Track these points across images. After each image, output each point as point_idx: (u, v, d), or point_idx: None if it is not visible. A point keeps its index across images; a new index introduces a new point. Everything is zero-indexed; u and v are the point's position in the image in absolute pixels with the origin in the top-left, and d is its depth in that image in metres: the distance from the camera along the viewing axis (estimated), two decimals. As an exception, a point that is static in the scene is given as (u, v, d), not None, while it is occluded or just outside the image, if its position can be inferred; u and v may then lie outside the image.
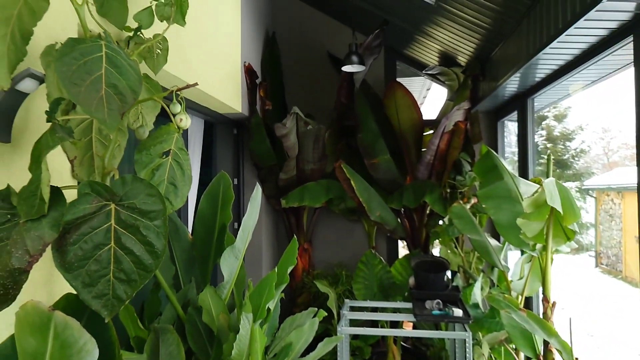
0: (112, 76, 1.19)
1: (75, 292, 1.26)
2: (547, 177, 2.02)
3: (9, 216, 1.17)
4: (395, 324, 4.02)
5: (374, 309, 3.76)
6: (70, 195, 1.27)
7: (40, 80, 1.30)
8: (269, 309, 2.15)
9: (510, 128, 4.59)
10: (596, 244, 13.22)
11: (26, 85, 1.27)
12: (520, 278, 2.94)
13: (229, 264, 2.06)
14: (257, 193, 2.11)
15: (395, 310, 3.64)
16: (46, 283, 1.45)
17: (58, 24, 1.52)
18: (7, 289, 1.10)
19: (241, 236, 2.07)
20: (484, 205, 2.46)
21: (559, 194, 1.85)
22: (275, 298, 2.13)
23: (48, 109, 1.21)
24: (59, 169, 1.49)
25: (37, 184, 1.14)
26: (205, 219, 2.30)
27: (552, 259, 2.30)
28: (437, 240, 4.28)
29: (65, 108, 1.43)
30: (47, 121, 1.20)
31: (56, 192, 1.19)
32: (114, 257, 1.22)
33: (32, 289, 1.37)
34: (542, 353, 2.42)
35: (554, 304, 2.30)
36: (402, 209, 4.26)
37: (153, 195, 1.26)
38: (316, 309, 2.46)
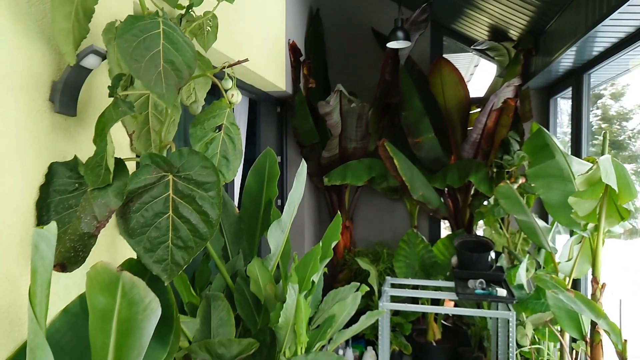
0: (169, 52, 1.24)
1: (136, 258, 1.35)
2: (603, 155, 1.94)
3: (76, 185, 1.26)
4: (437, 302, 4.03)
5: (415, 287, 3.77)
6: (130, 167, 1.35)
7: (103, 56, 1.37)
8: (313, 282, 2.21)
9: (562, 107, 4.40)
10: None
11: (90, 61, 1.34)
12: (569, 260, 2.86)
13: (276, 237, 2.13)
14: (303, 169, 2.14)
15: (437, 289, 3.63)
16: (109, 248, 1.55)
17: (115, 2, 1.59)
18: (77, 251, 1.20)
19: (287, 211, 2.12)
20: (533, 185, 2.40)
21: (615, 171, 1.77)
22: (319, 271, 2.18)
23: (110, 85, 1.28)
24: (119, 142, 1.57)
25: (102, 155, 1.22)
26: (252, 193, 2.37)
27: (603, 241, 2.22)
28: (481, 221, 4.22)
29: (124, 84, 1.50)
30: (110, 96, 1.27)
31: (119, 163, 1.27)
32: (172, 225, 1.30)
33: (98, 253, 1.48)
34: (588, 334, 2.37)
35: (603, 285, 2.24)
36: (446, 189, 4.20)
37: (208, 167, 1.32)
38: (358, 283, 2.50)
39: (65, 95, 1.33)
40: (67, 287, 1.32)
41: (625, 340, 2.01)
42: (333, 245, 2.25)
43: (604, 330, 2.05)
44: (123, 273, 1.05)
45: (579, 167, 2.28)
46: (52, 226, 1.00)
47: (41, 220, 1.22)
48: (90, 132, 1.39)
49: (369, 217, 4.75)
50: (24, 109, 1.22)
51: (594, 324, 2.31)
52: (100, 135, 1.23)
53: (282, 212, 2.16)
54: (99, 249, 1.49)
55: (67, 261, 1.17)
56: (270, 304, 2.10)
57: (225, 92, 1.53)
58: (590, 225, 2.09)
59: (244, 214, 2.37)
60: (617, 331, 2.02)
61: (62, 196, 1.23)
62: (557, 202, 2.35)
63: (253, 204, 2.36)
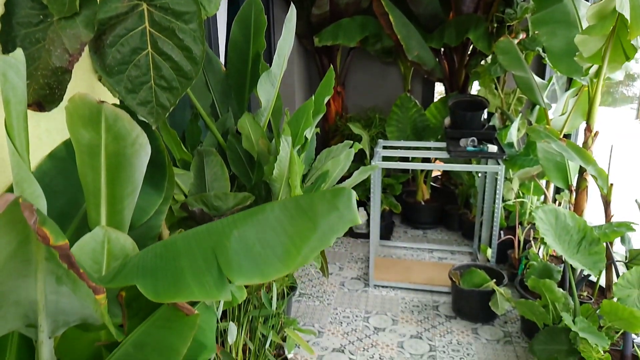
0: None
1: (119, 103, 1.28)
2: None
3: (41, 17, 1.13)
4: (428, 162, 4.12)
5: (407, 149, 3.80)
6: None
7: None
8: (306, 138, 2.18)
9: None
10: (642, 95, 12.57)
11: None
12: (563, 114, 2.84)
13: (266, 90, 2.04)
14: (292, 14, 1.97)
15: (428, 150, 3.67)
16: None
17: None
18: (52, 88, 1.12)
19: (277, 62, 2.00)
20: (536, 32, 2.26)
21: (629, 1, 1.65)
22: (312, 126, 2.14)
23: None
24: (83, -24, 1.40)
25: (64, -20, 1.07)
26: (238, 46, 2.22)
27: (603, 86, 2.17)
28: (475, 82, 4.12)
29: None
30: None
31: (85, -11, 1.12)
32: (153, 63, 1.20)
33: (78, 100, 1.39)
34: (575, 183, 2.44)
35: (596, 133, 2.24)
36: (442, 49, 4.02)
37: (185, -5, 1.18)
38: (351, 142, 2.49)
39: None
40: (49, 131, 1.26)
41: (611, 184, 2.07)
42: (326, 100, 2.18)
43: (592, 176, 2.10)
44: (104, 105, 0.98)
45: (587, 11, 2.13)
46: (19, 53, 0.91)
47: (8, 57, 1.12)
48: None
49: (361, 82, 4.61)
50: None
51: (581, 172, 2.37)
52: (58, -43, 1.07)
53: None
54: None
55: (43, 99, 1.10)
56: (263, 159, 2.09)
57: None
58: (592, 71, 2.01)
59: (231, 70, 2.24)
60: (604, 176, 2.07)
61: (27, 29, 1.11)
62: (560, 49, 2.24)
63: (240, 59, 2.22)
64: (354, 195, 0.85)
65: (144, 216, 1.36)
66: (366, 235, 3.98)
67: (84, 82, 1.41)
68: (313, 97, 2.12)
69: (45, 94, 1.09)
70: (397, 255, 3.65)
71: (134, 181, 1.12)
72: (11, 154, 0.93)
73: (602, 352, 1.77)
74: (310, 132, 2.21)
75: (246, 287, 1.74)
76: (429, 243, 3.86)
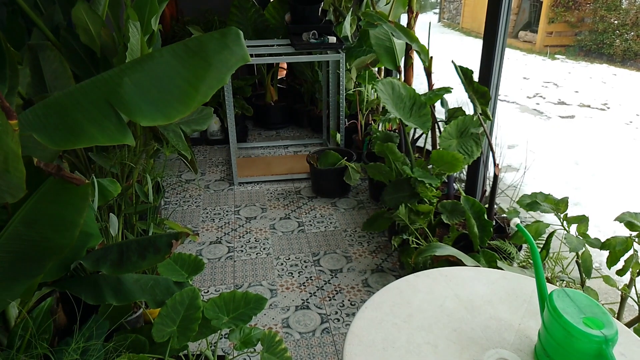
0: None
1: None
2: None
3: None
4: (272, 65, 4.21)
5: (252, 47, 3.82)
6: None
7: None
8: (153, 31, 2.07)
9: None
10: (441, 0, 14.24)
11: None
12: (387, 4, 3.15)
13: (99, -26, 1.84)
14: None
15: (272, 46, 3.74)
16: None
17: None
18: None
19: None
20: None
21: None
22: (158, 14, 2.02)
23: None
24: None
25: None
26: None
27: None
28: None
29: None
30: None
31: None
32: None
33: None
34: (402, 65, 2.81)
35: (416, 14, 2.58)
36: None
37: None
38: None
39: None
40: None
41: (431, 57, 2.45)
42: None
43: (415, 52, 2.45)
44: None
45: None
46: None
47: None
48: None
49: (193, -16, 4.34)
50: None
51: (407, 51, 2.72)
52: None
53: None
54: None
55: None
56: (109, 52, 1.94)
57: None
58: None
59: (49, -47, 1.95)
60: (425, 51, 2.43)
61: None
62: None
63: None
64: (242, 34, 0.92)
65: (-10, 108, 1.22)
66: (222, 142, 4.02)
67: None
68: (154, -18, 1.99)
69: None
70: (256, 154, 3.80)
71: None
72: None
73: (434, 190, 2.22)
74: (155, 22, 2.09)
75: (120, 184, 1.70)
76: (283, 140, 4.08)
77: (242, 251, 2.57)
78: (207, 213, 2.96)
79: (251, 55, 3.79)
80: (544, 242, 1.59)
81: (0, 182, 0.80)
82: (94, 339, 1.31)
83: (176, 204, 3.08)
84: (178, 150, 1.95)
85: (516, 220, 1.04)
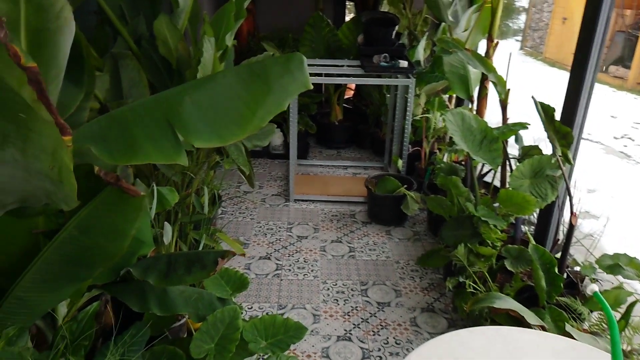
0: None
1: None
2: None
3: None
4: (340, 84, 4.20)
5: (322, 67, 3.83)
6: None
7: None
8: (227, 46, 2.11)
9: None
10: (525, 27, 13.71)
11: None
12: (465, 30, 3.04)
13: (182, -10, 1.91)
14: None
15: (342, 67, 3.74)
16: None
17: None
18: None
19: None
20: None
21: None
22: (233, 31, 2.06)
23: None
24: None
25: None
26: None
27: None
28: (385, 2, 4.19)
29: None
30: None
31: None
32: None
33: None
34: (476, 93, 2.68)
35: (496, 43, 2.46)
36: (353, -34, 4.00)
37: None
38: (272, 52, 2.46)
39: None
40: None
41: (509, 89, 2.32)
42: (246, 4, 2.10)
43: (492, 82, 2.32)
44: (20, -36, 0.87)
45: None
46: None
47: None
48: None
49: (272, 1, 4.46)
50: None
51: (482, 81, 2.60)
52: None
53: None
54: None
55: None
56: (183, 65, 2.00)
57: None
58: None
59: (140, -33, 2.05)
60: (502, 82, 2.30)
61: None
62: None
63: (149, -45, 2.04)
64: (305, 60, 0.88)
65: (65, 112, 1.27)
66: (283, 156, 4.05)
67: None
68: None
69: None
70: (314, 172, 3.79)
71: (58, 63, 1.04)
72: None
73: (499, 232, 2.07)
74: (230, 38, 2.13)
75: (178, 193, 1.73)
76: (343, 160, 4.04)
77: (289, 270, 2.54)
78: (261, 227, 2.97)
79: (320, 75, 3.81)
80: (624, 310, 1.41)
81: (56, 191, 0.81)
82: (135, 345, 1.31)
83: (232, 214, 3.12)
84: (237, 164, 1.96)
85: (594, 288, 0.92)
